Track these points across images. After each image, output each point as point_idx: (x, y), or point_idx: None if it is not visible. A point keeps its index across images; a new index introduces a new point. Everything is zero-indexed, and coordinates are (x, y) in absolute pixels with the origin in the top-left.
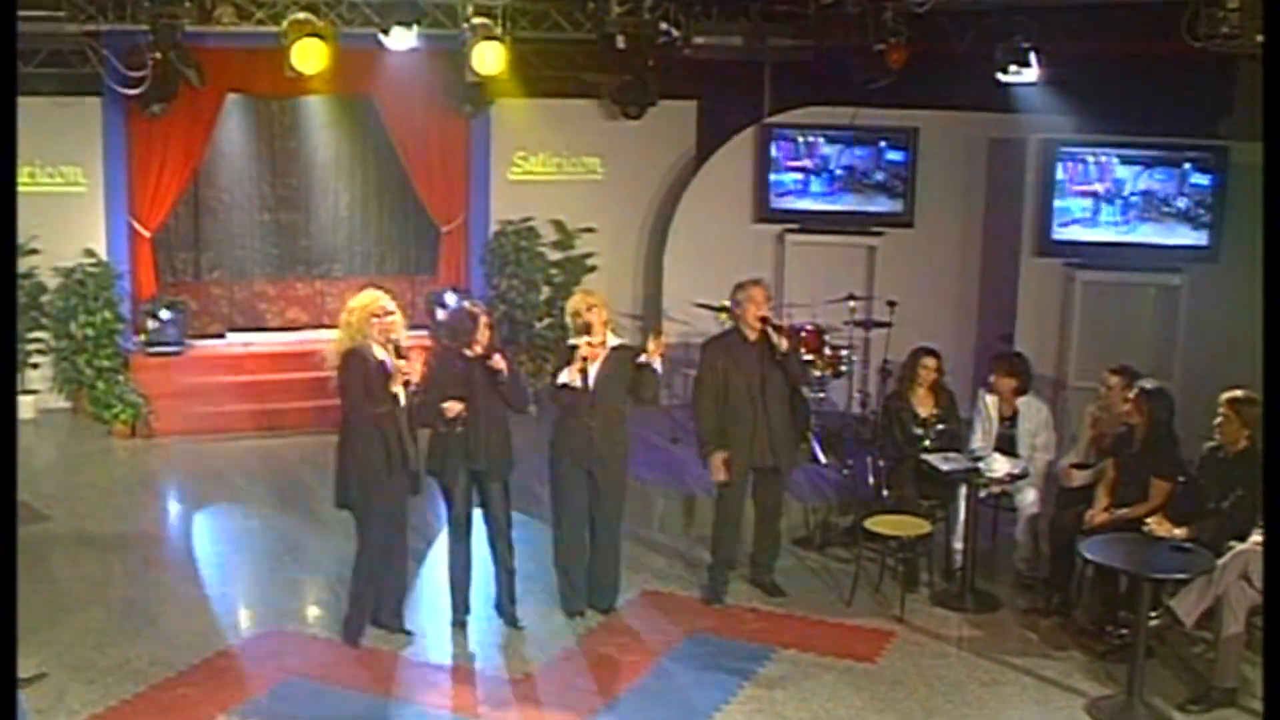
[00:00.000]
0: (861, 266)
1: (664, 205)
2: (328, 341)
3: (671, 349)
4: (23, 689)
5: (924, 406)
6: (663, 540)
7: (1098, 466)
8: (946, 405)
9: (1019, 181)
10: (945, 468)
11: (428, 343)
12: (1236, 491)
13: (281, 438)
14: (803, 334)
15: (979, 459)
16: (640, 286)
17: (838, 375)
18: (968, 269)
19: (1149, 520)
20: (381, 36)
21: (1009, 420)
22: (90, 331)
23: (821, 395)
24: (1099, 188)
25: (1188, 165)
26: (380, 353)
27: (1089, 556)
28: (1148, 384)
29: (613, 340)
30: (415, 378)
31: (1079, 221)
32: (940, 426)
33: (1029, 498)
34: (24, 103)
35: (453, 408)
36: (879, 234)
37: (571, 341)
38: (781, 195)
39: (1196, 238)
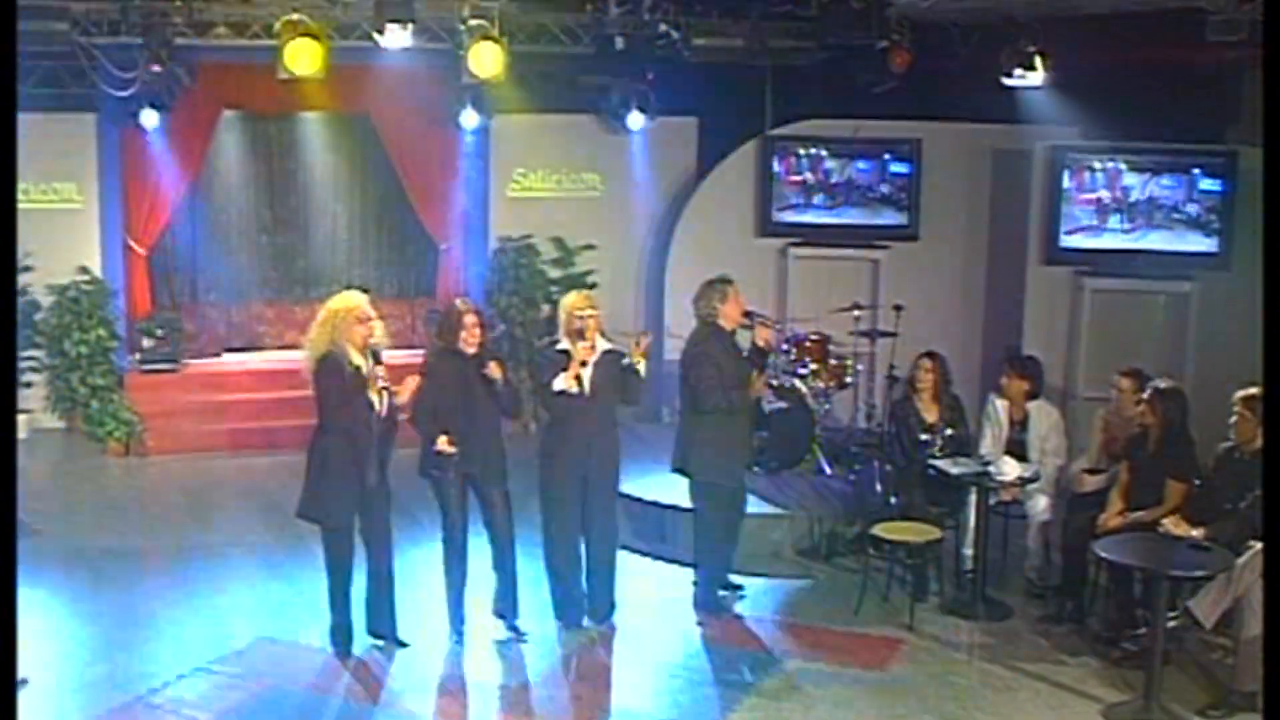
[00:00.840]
0: (866, 280)
1: (665, 221)
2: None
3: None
4: None
5: (930, 412)
6: (663, 554)
7: (1110, 471)
8: (954, 411)
9: (1025, 189)
10: (954, 471)
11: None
12: (1254, 491)
13: (278, 455)
14: (806, 343)
15: (988, 463)
16: (642, 304)
17: (843, 386)
18: (973, 280)
19: (1165, 521)
20: (376, 36)
21: (1019, 425)
22: (84, 349)
23: (827, 406)
24: (1105, 194)
25: (1196, 171)
26: (357, 358)
27: (1103, 555)
28: (1161, 383)
29: (603, 345)
30: (405, 395)
31: (1086, 229)
32: (949, 432)
33: (1039, 504)
34: (19, 118)
35: (442, 444)
36: (883, 247)
37: (562, 346)
38: (784, 209)
39: (1207, 244)
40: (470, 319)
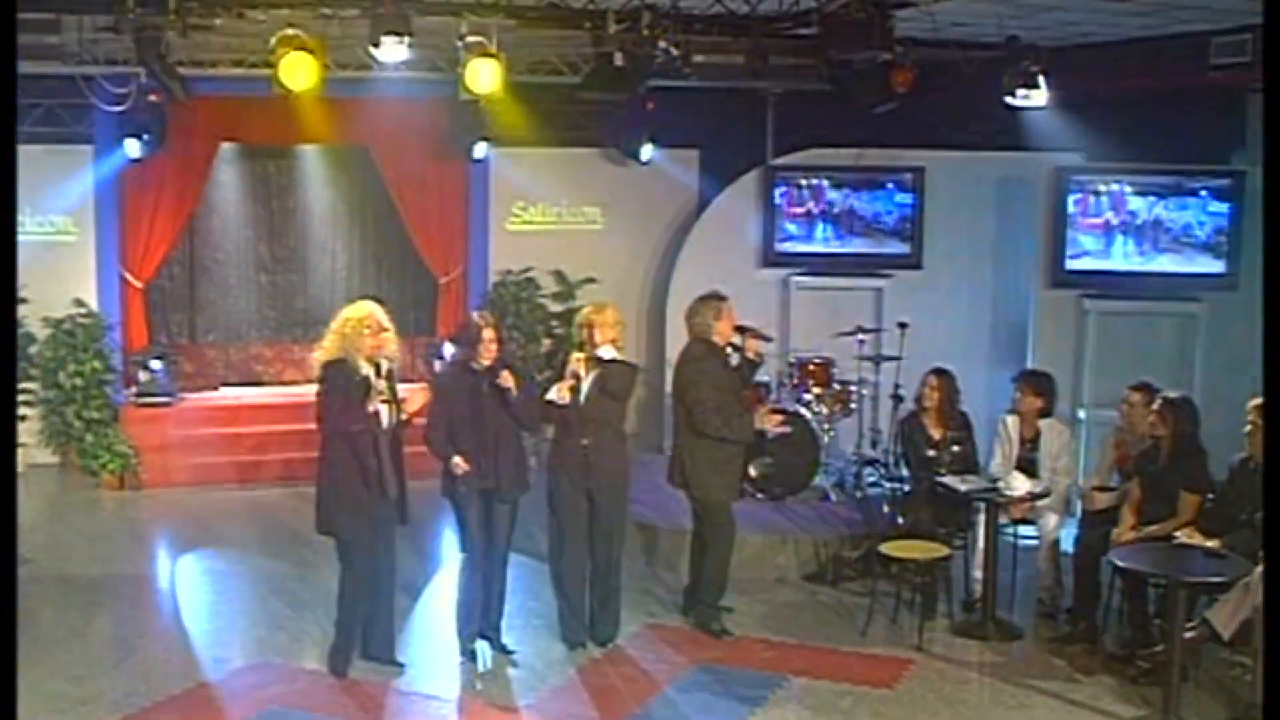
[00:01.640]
0: (869, 309)
1: (667, 254)
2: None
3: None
4: None
5: (937, 429)
6: (667, 578)
7: (1122, 488)
8: (960, 427)
9: (1029, 215)
10: (963, 488)
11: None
12: None
13: (278, 488)
14: (810, 367)
15: (997, 480)
16: (644, 337)
17: (847, 413)
18: (978, 306)
19: (1179, 533)
20: (372, 50)
21: (1030, 443)
22: (79, 381)
23: (831, 434)
24: (1111, 216)
25: (1204, 194)
26: (365, 368)
27: (1118, 564)
28: (1171, 394)
29: (608, 353)
30: (414, 406)
31: (1092, 253)
32: (955, 449)
33: (1050, 522)
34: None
35: (460, 464)
36: (886, 276)
37: (576, 356)
38: (786, 239)
39: (1215, 266)
40: (489, 334)
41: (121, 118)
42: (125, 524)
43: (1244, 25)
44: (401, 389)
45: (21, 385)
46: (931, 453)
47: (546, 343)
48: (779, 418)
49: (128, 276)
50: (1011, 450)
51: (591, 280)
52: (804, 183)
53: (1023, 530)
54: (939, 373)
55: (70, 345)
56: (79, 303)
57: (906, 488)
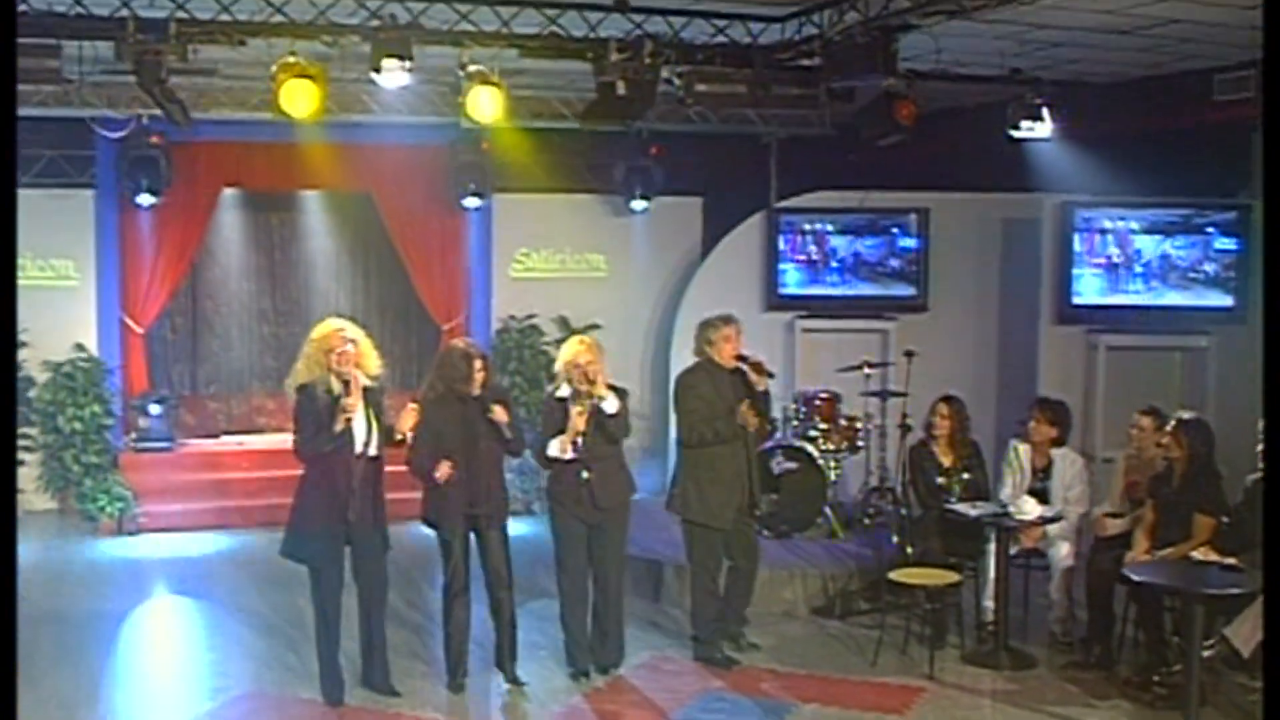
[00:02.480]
0: (875, 351)
1: (670, 301)
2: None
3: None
4: None
5: (946, 456)
6: (673, 613)
7: (1133, 514)
8: (971, 455)
9: (1035, 253)
10: (973, 514)
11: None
12: None
13: (276, 532)
14: (816, 402)
15: (1008, 507)
16: (648, 383)
17: (854, 450)
18: (985, 344)
19: (1194, 554)
20: (374, 75)
21: (1042, 472)
22: (78, 426)
23: (838, 471)
24: (1116, 252)
25: (1211, 230)
26: (337, 387)
27: (1133, 578)
28: (1185, 415)
29: (611, 406)
30: (406, 424)
31: (1099, 289)
32: (965, 476)
33: (1062, 550)
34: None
35: (443, 470)
36: (892, 318)
37: (560, 394)
38: (790, 283)
39: (1223, 300)
40: (476, 363)
41: (123, 162)
42: (123, 563)
43: (1246, 61)
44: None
45: (20, 430)
46: (941, 480)
47: (550, 389)
48: (754, 416)
49: (128, 322)
50: (1023, 479)
51: (595, 326)
52: (807, 228)
53: (1035, 561)
54: (949, 400)
55: (70, 389)
56: (79, 347)
57: (916, 514)
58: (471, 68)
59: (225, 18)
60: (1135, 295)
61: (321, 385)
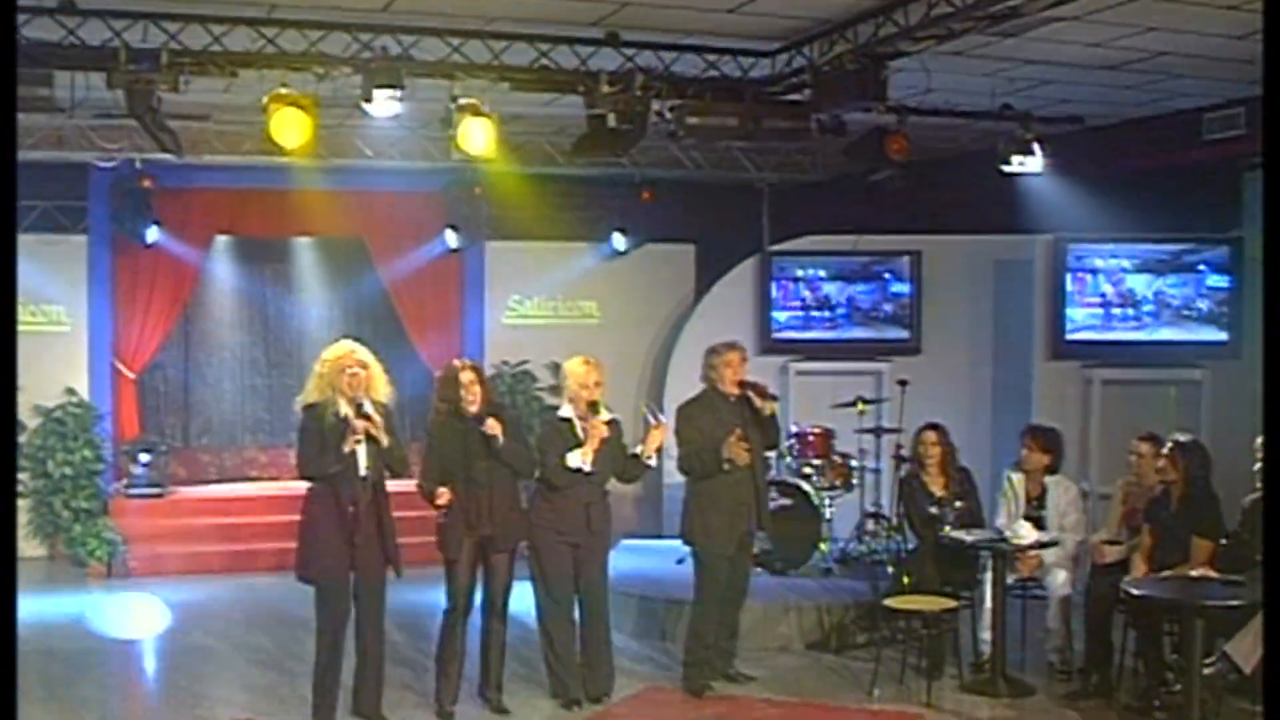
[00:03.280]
0: (869, 393)
1: (664, 348)
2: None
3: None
4: None
5: (937, 484)
6: (671, 649)
7: (1131, 542)
8: (962, 483)
9: (1028, 292)
10: (969, 540)
11: None
12: None
13: (269, 577)
14: (809, 437)
15: (1003, 533)
16: (641, 430)
17: (849, 488)
18: (979, 383)
19: (1193, 573)
20: (365, 105)
21: (1037, 500)
22: (68, 471)
23: (832, 509)
24: (1109, 290)
25: (1203, 268)
26: (345, 409)
27: (1132, 592)
28: (1181, 437)
29: (604, 415)
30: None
31: (1091, 326)
32: (958, 504)
33: (1059, 578)
34: None
35: (442, 496)
36: (886, 360)
37: (564, 413)
38: (783, 327)
39: (1217, 335)
40: (468, 376)
41: (116, 206)
42: (111, 603)
43: (1236, 99)
44: None
45: None
46: (934, 509)
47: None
48: (746, 445)
49: (120, 367)
50: (1017, 508)
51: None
52: (800, 273)
53: (1032, 590)
54: (933, 427)
55: (60, 434)
56: (70, 391)
57: (910, 545)
58: (463, 100)
59: (216, 48)
60: (1129, 330)
61: (330, 406)
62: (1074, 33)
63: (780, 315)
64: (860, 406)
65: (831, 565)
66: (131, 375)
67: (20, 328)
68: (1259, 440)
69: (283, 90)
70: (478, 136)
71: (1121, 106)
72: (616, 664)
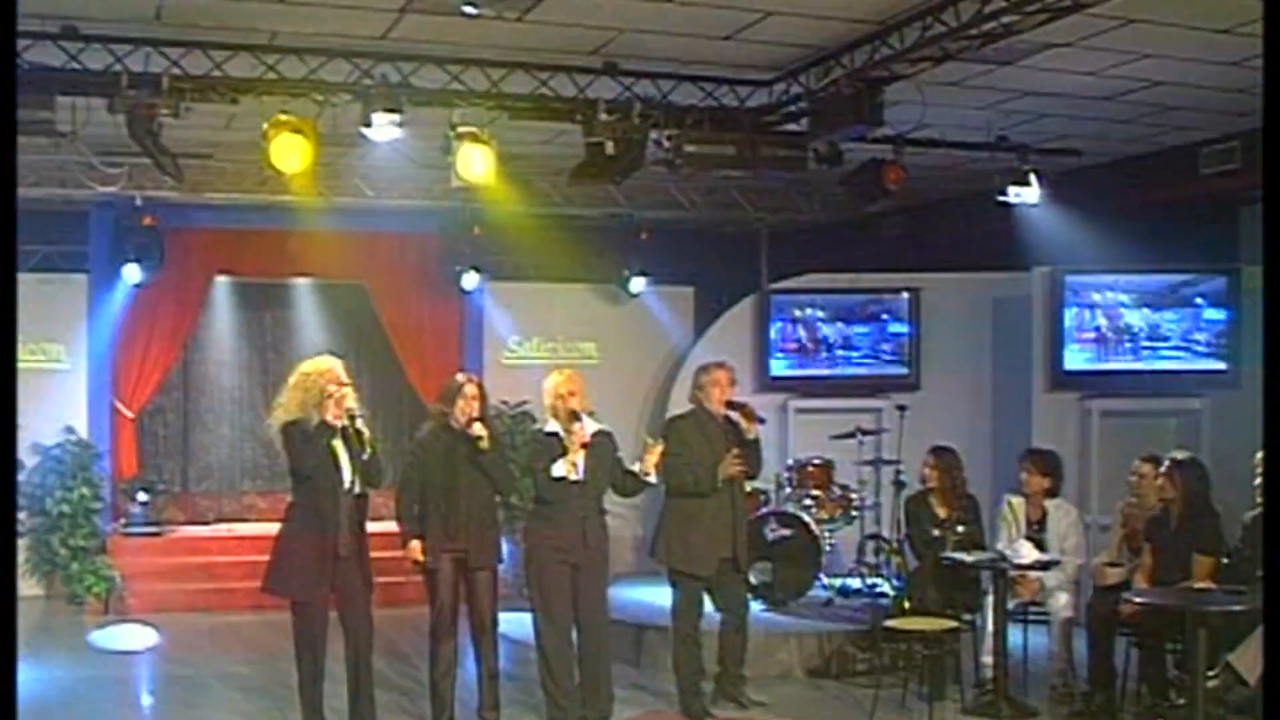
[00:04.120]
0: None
1: (663, 389)
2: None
3: None
4: None
5: (942, 508)
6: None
7: (1133, 564)
8: (967, 508)
9: (1026, 325)
10: (970, 560)
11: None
12: None
13: (266, 615)
14: (809, 468)
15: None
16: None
17: (849, 520)
18: (978, 416)
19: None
20: (364, 131)
21: (1037, 524)
22: (66, 509)
23: (832, 542)
24: (1104, 323)
25: (1200, 301)
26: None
27: (1135, 600)
28: (1179, 455)
29: (592, 425)
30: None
31: (1089, 358)
32: (960, 529)
33: (1060, 601)
34: None
35: (414, 551)
36: (885, 396)
37: (550, 429)
38: (782, 364)
39: (1215, 365)
40: (472, 390)
41: (116, 243)
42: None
43: (1231, 133)
44: None
45: None
46: (936, 532)
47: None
48: (739, 465)
49: (119, 406)
50: (1018, 533)
51: (589, 413)
52: (798, 313)
53: (1034, 613)
54: (938, 451)
55: (58, 472)
56: (69, 430)
57: (912, 566)
58: (462, 128)
59: (217, 74)
60: (1127, 361)
61: (309, 422)
62: (1068, 60)
63: (778, 357)
64: (860, 439)
65: (831, 597)
66: (130, 414)
67: (19, 365)
68: (1258, 455)
69: (283, 116)
70: (477, 163)
71: (1118, 142)
72: (615, 691)
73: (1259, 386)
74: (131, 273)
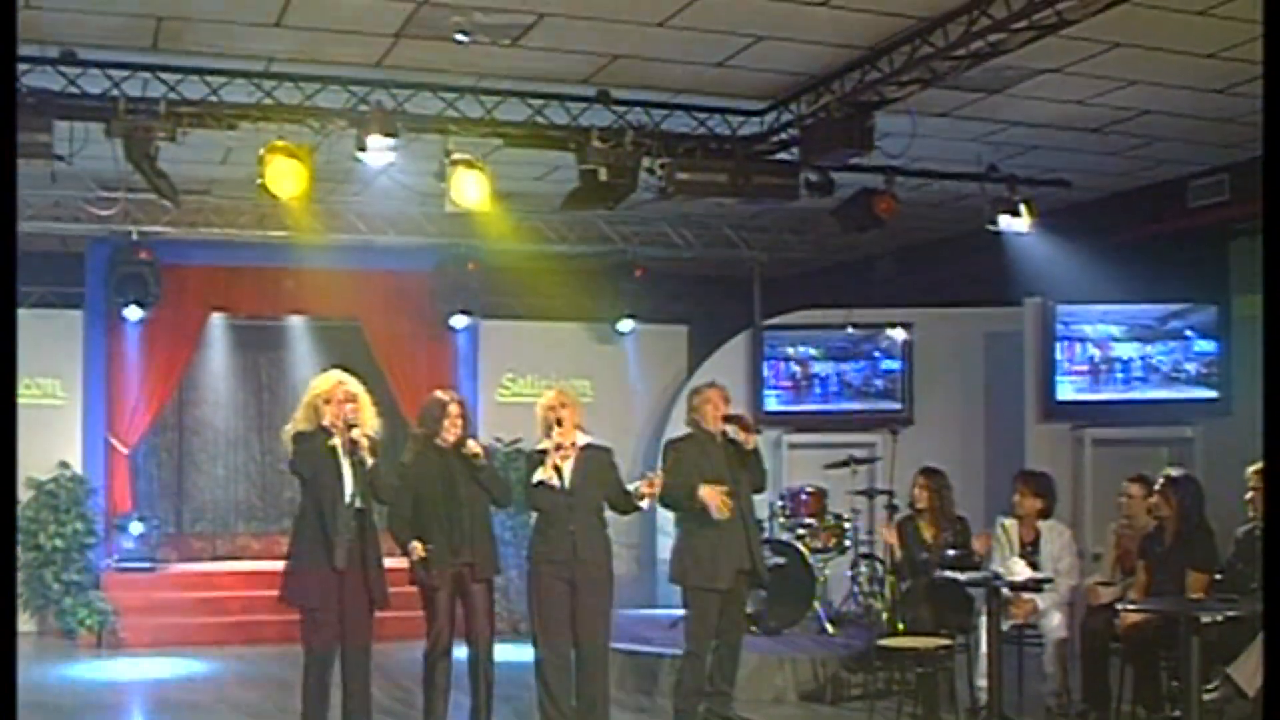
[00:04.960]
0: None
1: (657, 427)
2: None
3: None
4: None
5: (929, 530)
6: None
7: (1125, 582)
8: (958, 530)
9: (1018, 352)
10: (963, 578)
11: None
12: None
13: (261, 648)
14: (802, 496)
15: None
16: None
17: (842, 550)
18: (971, 448)
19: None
20: (360, 155)
21: (1031, 545)
22: (60, 543)
23: (826, 571)
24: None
25: (1190, 333)
26: (336, 439)
27: (1129, 609)
28: (1173, 471)
29: (582, 439)
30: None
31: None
32: (951, 552)
33: (1054, 621)
34: None
35: (417, 549)
36: (878, 431)
37: (541, 445)
38: (775, 400)
39: (1207, 394)
40: (454, 408)
41: (112, 278)
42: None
43: (1220, 165)
44: None
45: None
46: (925, 555)
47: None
48: (720, 497)
49: (114, 441)
50: (1011, 553)
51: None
52: (791, 351)
53: (1028, 636)
54: (927, 472)
55: (52, 506)
56: (64, 465)
57: (905, 586)
58: (456, 155)
59: (214, 99)
60: (1118, 391)
61: (321, 436)
62: (1056, 88)
63: (771, 394)
64: (853, 468)
65: (825, 625)
66: (125, 450)
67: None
68: (1250, 469)
69: (279, 142)
70: (471, 189)
71: (1109, 176)
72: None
73: (1251, 413)
74: (127, 304)
